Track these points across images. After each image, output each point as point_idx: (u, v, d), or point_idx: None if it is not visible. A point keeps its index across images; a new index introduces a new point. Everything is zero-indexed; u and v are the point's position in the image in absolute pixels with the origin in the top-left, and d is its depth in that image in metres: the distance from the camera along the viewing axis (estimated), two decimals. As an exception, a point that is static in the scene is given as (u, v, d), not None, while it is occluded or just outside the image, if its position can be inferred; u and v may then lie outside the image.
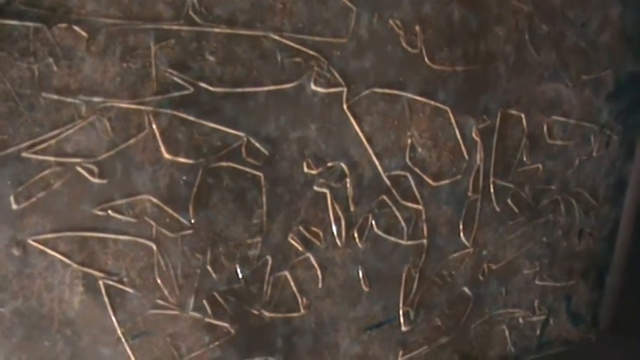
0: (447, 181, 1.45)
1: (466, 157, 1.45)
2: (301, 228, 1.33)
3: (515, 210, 1.56)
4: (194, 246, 1.24)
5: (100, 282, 1.21)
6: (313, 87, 1.28)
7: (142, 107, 1.18)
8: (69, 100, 1.15)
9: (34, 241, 1.17)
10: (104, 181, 1.18)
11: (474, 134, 1.45)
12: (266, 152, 1.27)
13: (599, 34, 1.55)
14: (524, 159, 1.52)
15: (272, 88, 1.25)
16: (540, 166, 1.56)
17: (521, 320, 1.65)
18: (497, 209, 1.53)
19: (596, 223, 1.70)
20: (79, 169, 1.16)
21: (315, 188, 1.32)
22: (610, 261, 1.76)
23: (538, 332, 1.73)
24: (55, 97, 1.13)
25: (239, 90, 1.24)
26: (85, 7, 1.13)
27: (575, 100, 1.55)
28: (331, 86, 1.29)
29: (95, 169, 1.17)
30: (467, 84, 1.41)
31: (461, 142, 1.44)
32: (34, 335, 1.19)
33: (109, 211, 1.19)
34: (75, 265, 1.18)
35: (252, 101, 1.25)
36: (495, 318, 1.59)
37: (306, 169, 1.30)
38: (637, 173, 1.77)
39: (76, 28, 1.13)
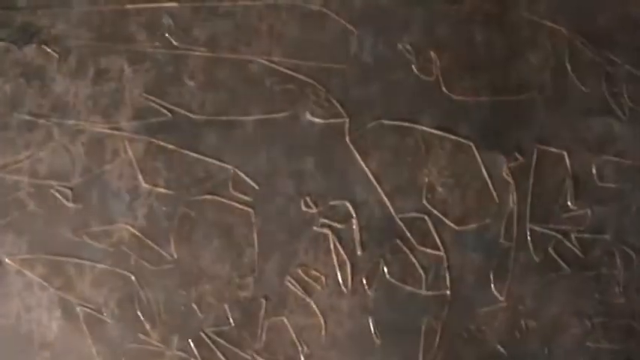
0: (473, 226, 1.29)
1: (496, 199, 1.28)
2: (299, 271, 1.20)
3: (559, 261, 1.36)
4: (177, 281, 1.15)
5: (78, 309, 1.13)
6: (309, 117, 1.15)
7: (117, 132, 1.10)
8: (41, 121, 1.08)
9: (11, 260, 1.16)
10: (79, 206, 1.10)
11: (504, 174, 1.28)
12: (256, 186, 1.15)
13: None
14: (569, 203, 1.33)
15: (261, 117, 1.13)
16: (589, 211, 1.36)
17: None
18: (536, 259, 1.34)
19: None
20: (54, 192, 1.09)
21: (315, 229, 1.19)
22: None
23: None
24: (27, 117, 1.08)
25: (223, 118, 1.12)
26: (56, 27, 1.08)
27: (630, 136, 1.34)
28: (331, 117, 1.16)
29: (69, 193, 1.11)
30: (495, 117, 1.25)
31: (489, 181, 1.27)
32: (13, 354, 1.17)
33: (85, 237, 1.11)
34: (52, 289, 1.12)
35: (239, 130, 1.14)
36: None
37: (304, 208, 1.17)
38: None
39: (46, 48, 1.07)
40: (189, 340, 1.23)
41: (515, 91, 1.28)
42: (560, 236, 1.37)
